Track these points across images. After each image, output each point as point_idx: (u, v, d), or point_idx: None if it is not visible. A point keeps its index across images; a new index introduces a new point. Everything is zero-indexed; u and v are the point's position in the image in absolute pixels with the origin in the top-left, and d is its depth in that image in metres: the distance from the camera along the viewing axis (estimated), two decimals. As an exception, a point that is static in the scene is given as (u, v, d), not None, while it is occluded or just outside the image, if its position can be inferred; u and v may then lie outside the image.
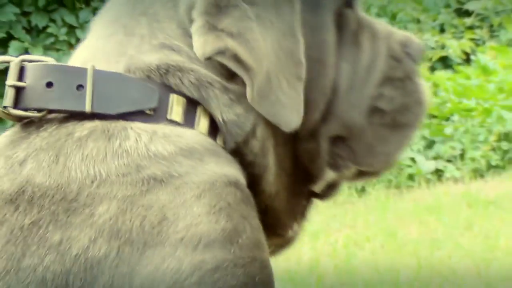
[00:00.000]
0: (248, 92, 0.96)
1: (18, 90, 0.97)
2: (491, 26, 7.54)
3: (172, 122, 0.96)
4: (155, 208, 0.86)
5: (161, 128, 0.94)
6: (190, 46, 0.99)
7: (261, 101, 0.97)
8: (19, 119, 0.97)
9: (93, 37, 1.07)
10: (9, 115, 0.97)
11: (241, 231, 0.87)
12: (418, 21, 6.64)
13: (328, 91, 1.08)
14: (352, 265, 2.98)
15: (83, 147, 0.91)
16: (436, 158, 4.76)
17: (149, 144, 0.91)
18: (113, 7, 1.09)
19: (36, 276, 0.82)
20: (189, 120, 0.97)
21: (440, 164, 4.70)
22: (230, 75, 0.99)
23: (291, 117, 0.99)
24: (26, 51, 4.16)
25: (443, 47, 6.42)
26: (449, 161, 4.77)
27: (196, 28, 0.98)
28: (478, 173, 4.66)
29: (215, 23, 0.97)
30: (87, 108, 0.94)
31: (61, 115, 0.96)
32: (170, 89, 0.97)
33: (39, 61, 1.00)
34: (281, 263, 3.00)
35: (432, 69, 6.20)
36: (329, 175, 1.15)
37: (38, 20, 4.22)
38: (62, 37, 4.90)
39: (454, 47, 6.32)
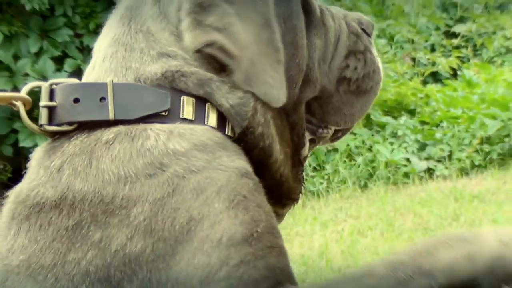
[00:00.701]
0: (237, 77, 0.97)
1: (51, 109, 0.97)
2: (475, 46, 7.51)
3: (185, 120, 0.95)
4: (182, 210, 0.83)
5: (176, 127, 0.93)
6: (183, 49, 0.98)
7: (251, 83, 0.97)
8: (54, 134, 0.97)
9: (98, 58, 1.05)
10: (46, 131, 0.97)
11: (258, 221, 0.86)
12: (412, 41, 6.59)
13: (304, 67, 1.08)
14: (356, 250, 2.96)
15: (111, 149, 0.90)
16: (428, 158, 4.73)
17: (167, 142, 0.90)
18: (110, 30, 1.06)
19: (80, 269, 0.81)
20: (199, 116, 0.96)
21: (431, 164, 4.67)
22: (221, 69, 0.99)
23: (278, 95, 0.99)
24: (79, 68, 4.19)
25: (433, 64, 6.39)
26: (439, 161, 4.75)
27: (185, 26, 0.98)
28: (463, 172, 4.63)
29: (202, 19, 0.96)
30: (111, 116, 0.93)
31: (90, 125, 0.95)
32: (180, 92, 0.96)
33: (65, 82, 0.99)
34: (296, 249, 3.08)
35: (424, 82, 6.16)
36: (308, 138, 1.19)
37: (89, 41, 4.22)
38: (109, 56, 4.84)
39: (443, 64, 6.29)
